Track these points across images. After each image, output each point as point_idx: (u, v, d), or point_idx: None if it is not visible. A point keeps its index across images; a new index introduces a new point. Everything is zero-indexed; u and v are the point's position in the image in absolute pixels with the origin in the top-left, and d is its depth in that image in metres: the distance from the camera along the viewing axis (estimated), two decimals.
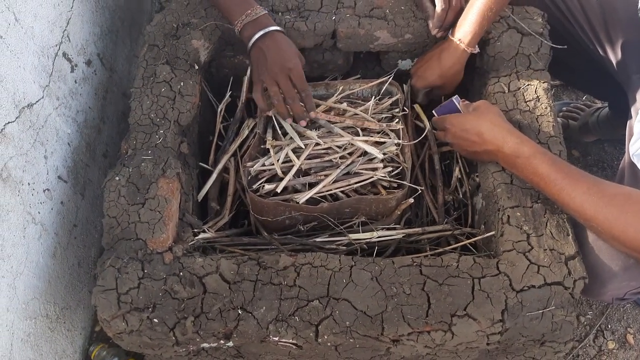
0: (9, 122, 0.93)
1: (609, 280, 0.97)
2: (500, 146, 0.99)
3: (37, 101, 1.02)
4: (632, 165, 1.04)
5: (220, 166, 1.16)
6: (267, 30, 1.05)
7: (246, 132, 1.19)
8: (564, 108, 1.59)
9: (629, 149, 0.97)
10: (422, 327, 0.90)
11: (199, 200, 1.15)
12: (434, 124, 1.13)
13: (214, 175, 1.15)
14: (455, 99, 1.10)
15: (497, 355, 1.04)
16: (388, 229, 1.08)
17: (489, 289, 0.91)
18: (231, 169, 1.18)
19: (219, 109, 1.22)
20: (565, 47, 1.15)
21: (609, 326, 1.35)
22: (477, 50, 1.14)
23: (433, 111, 1.14)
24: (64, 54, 1.12)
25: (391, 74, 1.21)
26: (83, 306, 1.22)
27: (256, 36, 1.06)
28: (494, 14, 1.11)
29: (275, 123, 1.14)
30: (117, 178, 1.00)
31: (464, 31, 1.11)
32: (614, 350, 1.32)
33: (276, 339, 0.92)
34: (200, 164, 1.18)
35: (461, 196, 1.17)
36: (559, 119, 1.56)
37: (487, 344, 0.91)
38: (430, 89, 1.19)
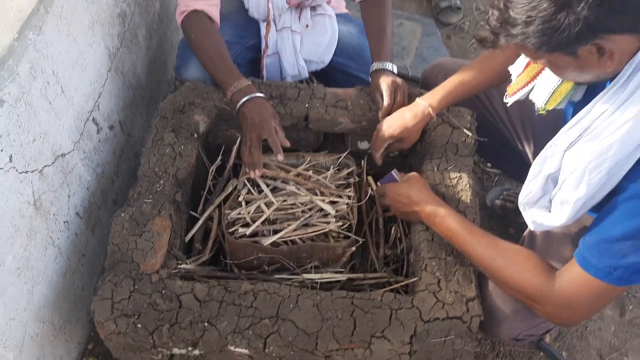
0: (46, 166, 1.23)
1: (503, 320, 1.21)
2: (423, 207, 1.26)
3: (69, 152, 1.32)
4: (531, 232, 1.32)
5: (206, 214, 1.44)
6: (249, 96, 1.38)
7: (230, 189, 1.48)
8: (505, 192, 1.87)
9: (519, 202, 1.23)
10: (347, 344, 1.14)
11: (187, 241, 1.42)
12: (377, 191, 1.42)
13: (200, 222, 1.43)
14: (394, 172, 1.39)
15: None
16: (335, 272, 1.34)
17: (402, 318, 1.16)
18: (215, 217, 1.46)
19: (211, 170, 1.51)
20: (486, 139, 1.45)
21: None
22: (435, 118, 1.42)
23: (377, 182, 1.42)
24: (93, 119, 1.44)
25: (348, 151, 1.51)
26: (81, 324, 1.46)
27: (240, 102, 1.38)
28: (466, 90, 1.40)
29: (261, 183, 1.43)
30: (122, 214, 1.29)
31: (434, 98, 1.40)
32: None
33: (233, 347, 1.16)
34: (191, 212, 1.46)
35: (399, 252, 1.43)
36: (498, 201, 1.86)
37: None
38: (392, 141, 1.44)
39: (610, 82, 0.98)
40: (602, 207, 1.04)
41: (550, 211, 1.15)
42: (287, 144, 1.39)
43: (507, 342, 1.56)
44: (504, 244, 1.17)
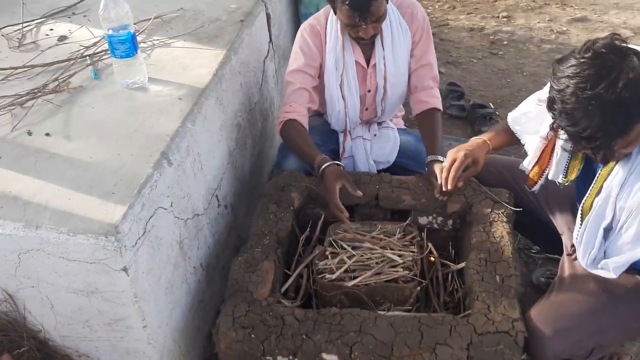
0: (188, 219, 1.67)
1: (546, 342, 1.47)
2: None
3: (201, 215, 1.77)
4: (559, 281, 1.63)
5: (300, 269, 1.81)
6: (322, 167, 1.84)
7: (316, 251, 1.86)
8: (548, 272, 2.16)
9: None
10: (416, 350, 1.43)
11: (282, 292, 1.78)
12: None
13: (295, 274, 1.80)
14: None
15: None
16: (404, 310, 1.66)
17: (460, 331, 1.45)
18: (304, 275, 1.82)
19: (301, 238, 1.91)
20: (521, 209, 1.81)
21: None
22: (491, 147, 1.81)
23: None
24: (216, 196, 1.90)
25: (410, 219, 1.89)
26: None
27: (319, 171, 1.84)
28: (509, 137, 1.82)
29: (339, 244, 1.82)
30: (239, 258, 1.69)
31: (489, 137, 1.82)
32: None
33: (325, 355, 1.47)
34: (285, 270, 1.83)
35: (456, 300, 1.73)
36: (542, 279, 2.14)
37: None
38: (465, 164, 1.76)
39: None
40: None
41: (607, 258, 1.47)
42: (359, 194, 1.83)
43: None
44: None
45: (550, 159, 1.64)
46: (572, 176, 1.58)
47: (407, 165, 2.19)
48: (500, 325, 1.46)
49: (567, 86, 1.25)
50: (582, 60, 1.25)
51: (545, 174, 1.68)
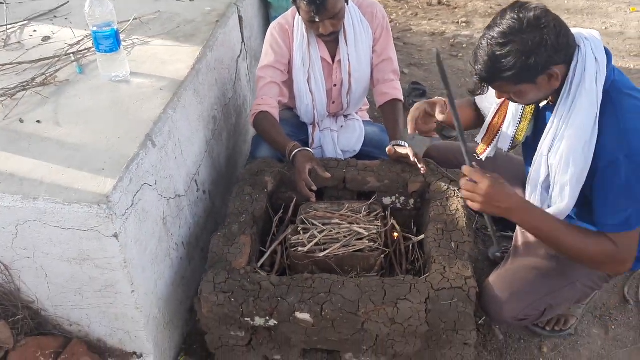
0: (170, 198, 1.81)
1: (504, 304, 1.67)
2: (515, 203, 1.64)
3: (182, 196, 1.91)
4: (514, 248, 1.81)
5: (274, 245, 1.96)
6: (294, 152, 2.00)
7: (289, 230, 2.02)
8: (503, 247, 2.35)
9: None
10: (380, 305, 1.59)
11: (257, 267, 1.92)
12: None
13: (270, 250, 1.95)
14: None
15: (434, 350, 1.67)
16: (369, 277, 1.82)
17: (419, 288, 1.62)
18: (279, 252, 1.98)
19: (275, 219, 2.07)
20: None
21: None
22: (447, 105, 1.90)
23: None
24: (195, 181, 2.05)
25: (374, 197, 2.06)
26: (179, 333, 1.91)
27: (291, 156, 2.00)
28: (463, 112, 1.94)
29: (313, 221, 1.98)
30: (219, 233, 1.83)
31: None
32: None
33: (299, 314, 1.62)
34: (261, 248, 1.99)
35: (417, 269, 1.91)
36: (498, 254, 2.33)
37: (419, 319, 1.58)
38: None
39: (555, 102, 1.56)
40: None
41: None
42: (327, 175, 1.98)
43: (513, 325, 1.93)
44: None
45: (500, 127, 1.83)
46: (520, 138, 1.77)
47: (372, 154, 2.37)
48: (454, 282, 1.64)
49: (484, 35, 1.51)
50: (499, 17, 1.49)
51: (495, 141, 1.86)
